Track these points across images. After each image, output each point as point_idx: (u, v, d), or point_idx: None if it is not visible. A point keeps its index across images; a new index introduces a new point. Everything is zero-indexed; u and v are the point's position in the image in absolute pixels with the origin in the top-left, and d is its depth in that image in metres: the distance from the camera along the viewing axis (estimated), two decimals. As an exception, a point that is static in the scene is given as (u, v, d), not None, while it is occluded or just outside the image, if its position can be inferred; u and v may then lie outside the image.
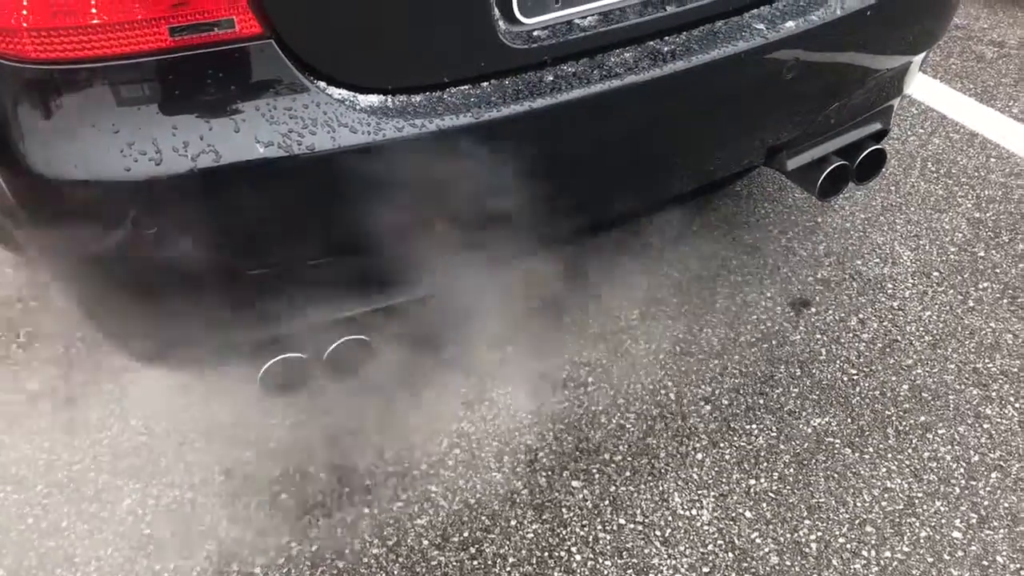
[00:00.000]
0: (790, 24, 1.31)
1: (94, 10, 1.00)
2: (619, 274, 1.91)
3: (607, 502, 1.48)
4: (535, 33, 1.20)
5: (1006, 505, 1.45)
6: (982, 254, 1.95)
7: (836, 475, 1.51)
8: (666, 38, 1.27)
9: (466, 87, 1.17)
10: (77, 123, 1.04)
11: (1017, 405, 1.62)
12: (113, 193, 1.06)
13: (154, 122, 1.05)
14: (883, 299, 1.85)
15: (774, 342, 1.76)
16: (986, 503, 1.46)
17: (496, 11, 1.16)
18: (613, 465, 1.54)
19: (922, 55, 1.60)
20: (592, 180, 1.32)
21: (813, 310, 1.83)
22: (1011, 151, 2.26)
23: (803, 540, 1.42)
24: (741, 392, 1.66)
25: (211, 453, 1.58)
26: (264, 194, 1.10)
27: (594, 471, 1.53)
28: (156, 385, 1.70)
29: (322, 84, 1.10)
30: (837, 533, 1.43)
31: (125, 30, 1.02)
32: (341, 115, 1.10)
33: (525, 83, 1.19)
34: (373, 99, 1.13)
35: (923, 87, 2.51)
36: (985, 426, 1.58)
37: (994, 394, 1.64)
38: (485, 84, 1.18)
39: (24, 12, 1.00)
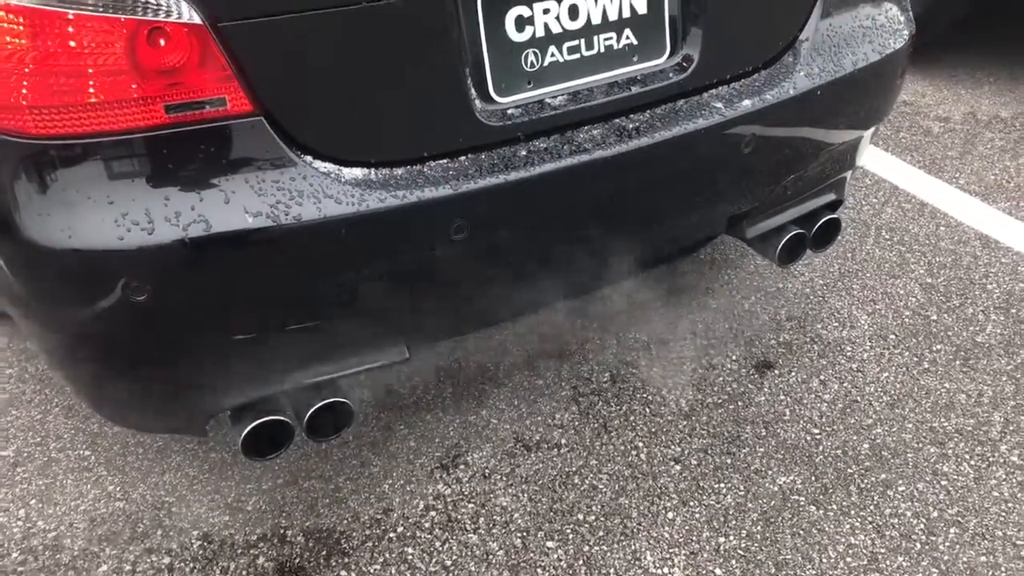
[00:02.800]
0: (747, 103, 1.41)
1: (92, 89, 1.07)
2: (590, 339, 1.97)
3: (581, 562, 1.51)
4: (509, 111, 1.28)
5: (964, 559, 1.50)
6: (935, 317, 2.04)
7: (802, 532, 1.56)
8: (631, 116, 1.36)
9: (445, 161, 1.24)
10: (74, 195, 1.09)
11: (972, 462, 1.68)
12: (106, 262, 1.10)
13: (148, 194, 1.10)
14: (843, 361, 1.92)
15: (740, 403, 1.82)
16: (946, 557, 1.51)
17: (473, 91, 1.24)
18: (587, 525, 1.57)
19: (871, 131, 1.71)
20: (563, 248, 1.39)
21: (776, 372, 1.90)
22: (959, 220, 2.38)
23: (772, 596, 1.46)
24: (709, 452, 1.71)
25: (188, 518, 1.59)
26: (253, 261, 1.15)
27: (568, 531, 1.56)
28: (133, 450, 1.71)
29: (308, 158, 1.17)
30: (804, 589, 1.47)
31: (122, 107, 1.08)
32: (326, 187, 1.17)
33: (500, 157, 1.26)
34: (357, 172, 1.19)
35: (876, 159, 2.64)
36: (943, 483, 1.64)
37: (950, 452, 1.71)
38: (463, 158, 1.25)
39: (24, 91, 1.06)
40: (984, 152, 2.70)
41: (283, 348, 1.27)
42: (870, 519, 1.58)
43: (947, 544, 1.53)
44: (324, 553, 1.53)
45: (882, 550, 1.52)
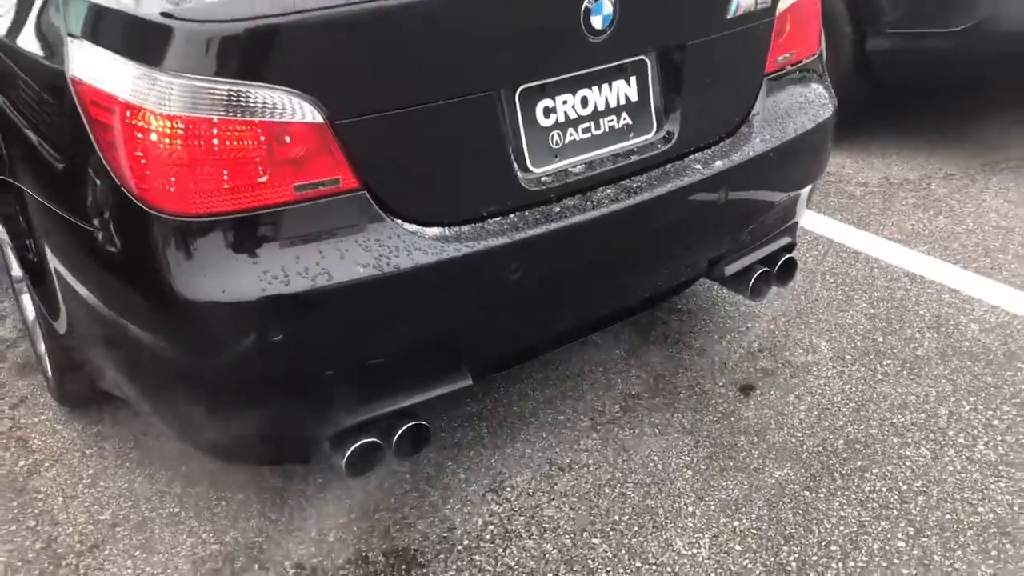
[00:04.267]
0: (719, 163, 1.80)
1: (238, 176, 1.39)
2: (597, 378, 2.29)
3: (623, 552, 1.79)
4: (542, 179, 1.64)
5: (933, 519, 1.83)
6: (880, 339, 2.43)
7: (800, 511, 1.87)
8: (633, 178, 1.73)
9: (499, 218, 1.59)
10: (226, 258, 1.40)
11: (928, 447, 2.03)
12: (252, 310, 1.41)
13: (283, 254, 1.42)
14: (811, 379, 2.28)
15: (732, 419, 2.15)
16: (918, 519, 1.83)
17: (515, 165, 1.60)
18: (623, 523, 1.86)
19: (812, 185, 2.12)
20: (592, 283, 1.74)
21: (758, 392, 2.24)
22: (888, 262, 2.81)
23: (784, 561, 1.76)
24: (714, 458, 2.03)
25: (279, 552, 1.82)
26: (364, 304, 1.47)
27: (608, 530, 1.84)
28: (217, 503, 1.95)
29: (399, 221, 1.50)
30: (810, 553, 1.77)
31: (262, 189, 1.40)
32: (414, 242, 1.50)
33: (540, 213, 1.62)
34: (436, 230, 1.53)
35: (814, 220, 3.08)
36: (907, 464, 1.99)
37: (910, 440, 2.05)
38: (512, 215, 1.60)
39: (187, 179, 1.38)
40: (900, 208, 3.18)
41: (380, 377, 1.57)
42: (854, 496, 1.90)
43: (917, 509, 1.86)
44: (404, 567, 1.78)
45: (867, 518, 1.84)
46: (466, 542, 1.83)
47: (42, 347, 2.27)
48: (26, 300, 2.36)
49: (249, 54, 1.36)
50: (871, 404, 2.18)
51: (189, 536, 1.87)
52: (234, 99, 1.36)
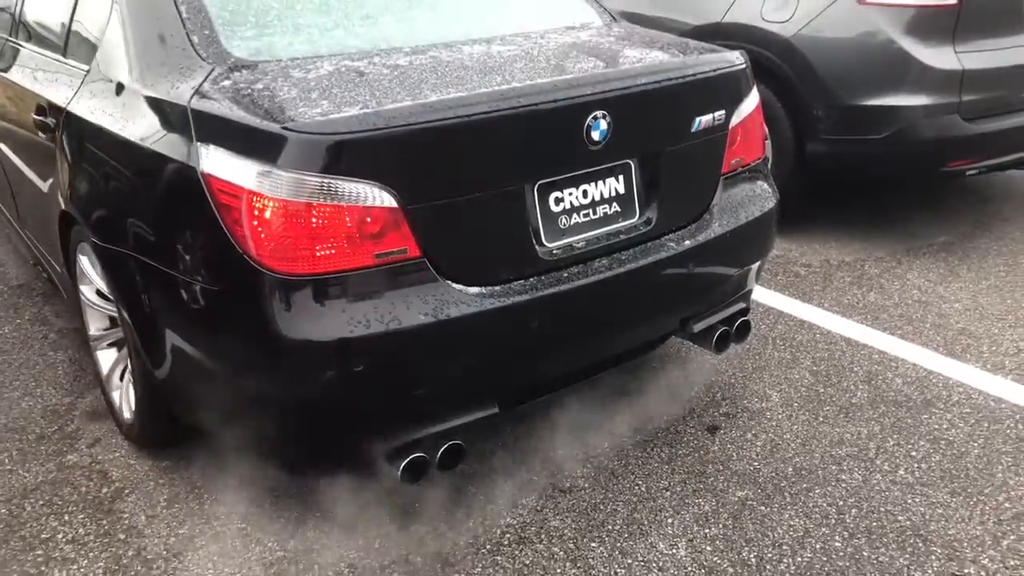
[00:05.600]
0: (688, 242, 2.31)
1: (331, 246, 1.85)
2: (586, 421, 2.74)
3: (617, 552, 2.21)
4: (554, 252, 2.13)
5: (864, 525, 2.29)
6: (822, 390, 2.92)
7: (758, 521, 2.31)
8: (622, 252, 2.23)
9: (522, 280, 2.07)
10: (321, 308, 1.85)
11: (859, 473, 2.50)
12: (340, 347, 1.85)
13: (364, 305, 1.88)
14: (765, 421, 2.75)
15: (701, 452, 2.60)
16: (851, 526, 2.29)
17: (534, 240, 2.09)
18: (615, 532, 2.28)
19: (760, 261, 2.64)
20: (591, 333, 2.21)
21: (722, 431, 2.70)
22: (829, 330, 3.33)
23: (746, 558, 2.19)
24: (687, 482, 2.47)
25: (333, 556, 2.21)
26: (424, 343, 1.92)
27: (603, 536, 2.27)
28: (277, 519, 2.33)
29: (449, 282, 1.97)
30: (766, 552, 2.21)
31: (350, 256, 1.87)
32: (460, 298, 1.97)
33: (553, 278, 2.10)
34: (476, 289, 2.00)
35: (764, 295, 3.61)
36: (843, 485, 2.45)
37: (845, 467, 2.52)
38: (532, 279, 2.08)
39: (289, 247, 1.84)
40: (838, 285, 3.73)
41: (428, 403, 2.01)
42: (801, 510, 2.35)
43: (851, 518, 2.32)
44: (439, 566, 2.18)
45: (811, 526, 2.29)
46: (488, 547, 2.24)
47: (116, 396, 2.68)
48: (100, 355, 2.77)
49: (344, 157, 1.84)
50: (814, 440, 2.65)
51: (257, 545, 2.26)
52: (333, 189, 1.83)
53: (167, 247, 2.07)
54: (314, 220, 1.85)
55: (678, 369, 3.06)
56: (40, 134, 2.72)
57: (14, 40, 3.28)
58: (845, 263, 3.95)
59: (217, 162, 1.91)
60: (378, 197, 1.87)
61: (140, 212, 2.16)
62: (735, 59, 2.43)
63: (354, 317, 1.87)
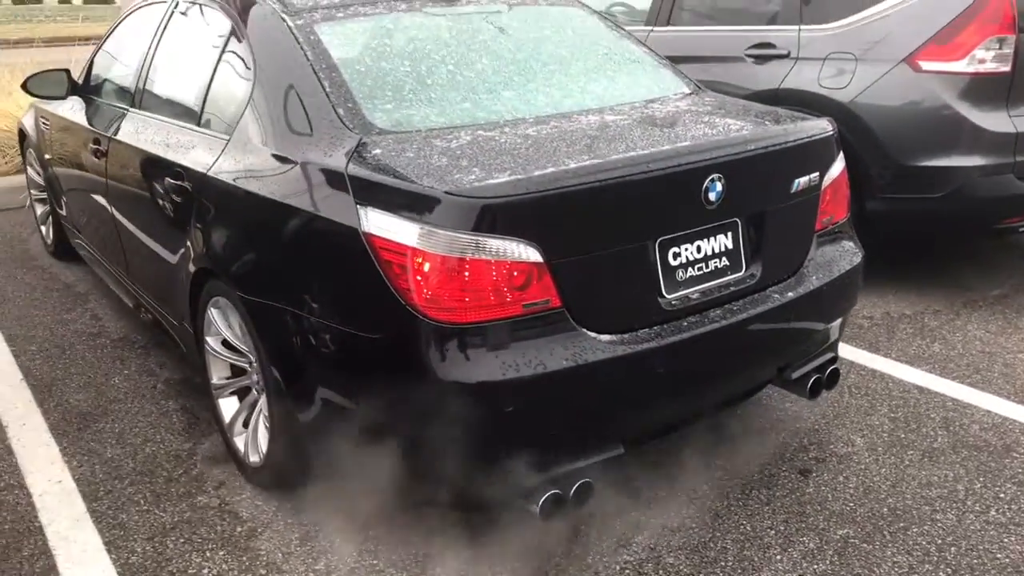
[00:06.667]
0: (790, 294, 2.49)
1: (482, 297, 2.04)
2: (685, 465, 2.88)
3: (733, 587, 2.35)
4: (672, 302, 2.31)
5: (965, 562, 2.41)
6: (903, 435, 3.06)
7: (862, 557, 2.44)
8: (733, 303, 2.41)
9: (647, 329, 2.25)
10: (477, 352, 2.03)
11: (953, 512, 2.63)
12: (494, 389, 2.03)
13: (514, 351, 2.06)
14: (853, 464, 2.89)
15: (798, 494, 2.74)
16: (953, 563, 2.41)
17: (657, 292, 2.28)
18: (728, 567, 2.41)
19: (848, 313, 2.81)
20: (706, 377, 2.38)
21: (814, 474, 2.84)
22: (900, 378, 3.48)
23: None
24: (789, 521, 2.60)
25: (467, 589, 2.35)
26: (565, 386, 2.09)
27: (717, 571, 2.40)
28: (409, 551, 2.48)
29: (584, 330, 2.15)
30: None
31: (501, 307, 2.06)
32: (595, 344, 2.15)
33: (674, 326, 2.28)
34: (608, 336, 2.18)
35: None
36: (939, 524, 2.57)
37: (938, 508, 2.65)
38: (656, 327, 2.26)
39: (446, 298, 2.03)
40: (902, 336, 3.88)
41: (565, 442, 2.18)
42: (902, 547, 2.48)
43: (952, 555, 2.44)
44: (567, 599, 2.32)
45: (914, 562, 2.42)
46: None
47: (239, 442, 2.84)
48: (223, 403, 2.95)
49: (495, 217, 2.04)
50: (903, 482, 2.79)
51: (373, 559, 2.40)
52: (487, 246, 2.03)
53: (323, 299, 2.26)
54: (467, 274, 2.04)
55: (762, 417, 3.21)
56: (173, 196, 2.95)
57: (134, 109, 3.53)
58: (905, 315, 4.12)
59: (378, 222, 2.11)
60: (524, 252, 2.07)
61: (293, 267, 2.36)
62: (827, 126, 2.64)
63: (506, 362, 2.04)
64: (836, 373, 2.79)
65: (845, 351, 3.73)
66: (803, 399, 2.95)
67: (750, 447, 3.00)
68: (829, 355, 2.81)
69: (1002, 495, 2.71)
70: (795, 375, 2.69)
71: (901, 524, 2.59)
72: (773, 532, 2.56)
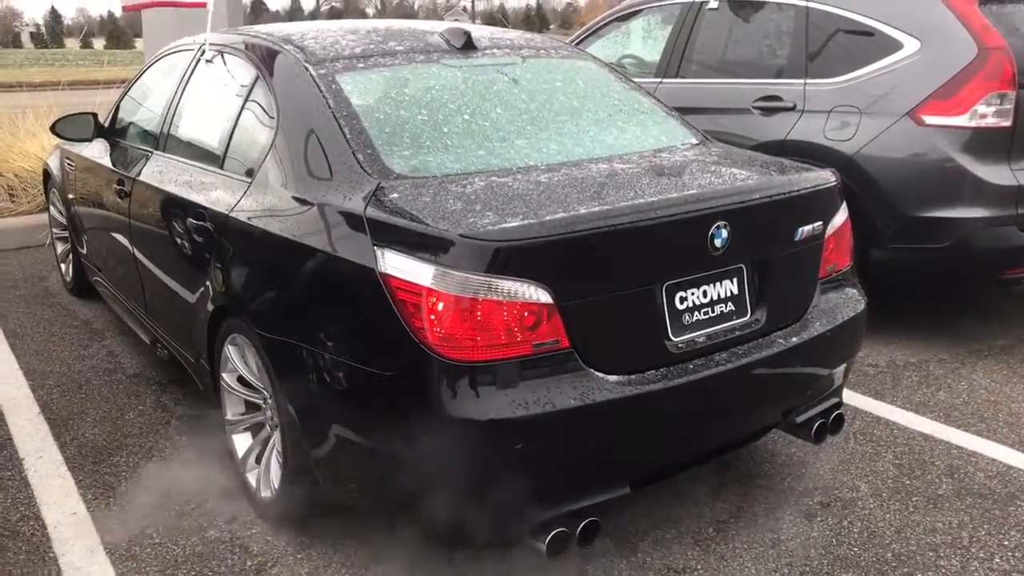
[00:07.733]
0: (794, 339, 2.55)
1: (492, 337, 2.11)
2: (689, 510, 2.91)
3: (737, 628, 2.36)
4: (679, 344, 2.37)
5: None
6: (907, 482, 3.08)
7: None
8: (738, 347, 2.47)
9: (654, 371, 2.30)
10: (488, 391, 2.10)
11: (957, 559, 2.65)
12: (504, 426, 2.08)
13: (524, 389, 2.12)
14: (858, 510, 2.91)
15: (803, 537, 2.76)
16: (956, 608, 2.43)
17: (663, 335, 2.34)
18: (733, 609, 2.44)
19: (853, 358, 2.86)
20: (711, 419, 2.43)
21: (819, 518, 2.87)
22: (905, 425, 3.51)
23: (860, 636, 2.33)
24: (793, 565, 2.62)
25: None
26: (573, 425, 2.15)
27: (722, 613, 2.42)
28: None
29: (592, 371, 2.21)
30: (879, 630, 2.35)
31: (512, 347, 2.12)
32: (602, 384, 2.20)
33: (680, 368, 2.34)
34: (615, 377, 2.24)
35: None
36: (943, 571, 2.59)
37: (942, 554, 2.67)
38: (662, 369, 2.32)
39: (457, 337, 2.09)
40: (907, 384, 3.92)
41: (572, 480, 2.22)
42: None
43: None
44: (572, 638, 2.34)
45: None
46: (616, 621, 2.40)
47: (251, 477, 2.89)
48: (236, 439, 3.01)
49: (507, 259, 2.11)
50: (908, 528, 2.81)
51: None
52: (497, 287, 2.10)
53: (339, 336, 2.34)
54: (478, 314, 2.11)
55: (768, 460, 3.25)
56: (195, 236, 3.04)
57: (159, 152, 3.64)
58: (911, 363, 4.16)
59: (395, 263, 2.19)
60: (535, 294, 2.14)
61: (310, 305, 2.44)
62: (830, 177, 2.73)
63: (515, 400, 2.10)
64: (841, 418, 2.83)
65: (851, 398, 3.77)
66: (808, 444, 2.99)
67: (754, 490, 3.03)
68: (834, 400, 2.86)
69: (1006, 542, 2.73)
70: (800, 419, 2.73)
71: (905, 570, 2.60)
72: (778, 575, 2.59)
